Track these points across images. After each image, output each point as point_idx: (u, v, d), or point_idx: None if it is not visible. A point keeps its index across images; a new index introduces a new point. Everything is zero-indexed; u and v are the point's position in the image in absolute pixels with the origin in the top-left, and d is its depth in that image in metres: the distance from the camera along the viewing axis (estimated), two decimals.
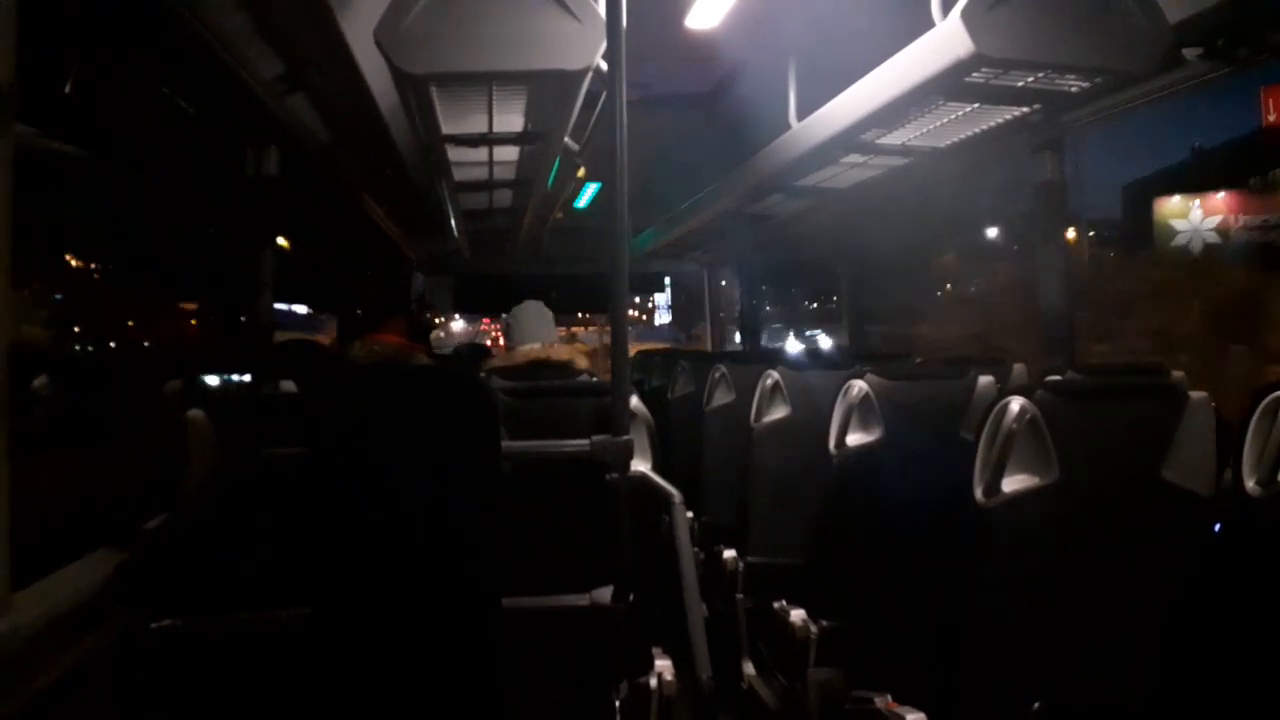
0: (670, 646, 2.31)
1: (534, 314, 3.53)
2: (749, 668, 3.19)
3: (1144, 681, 2.01)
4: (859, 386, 2.60)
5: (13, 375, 1.41)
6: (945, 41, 2.27)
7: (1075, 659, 1.99)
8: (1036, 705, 1.94)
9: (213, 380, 2.71)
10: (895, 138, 3.19)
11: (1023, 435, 1.93)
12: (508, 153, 3.19)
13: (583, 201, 6.13)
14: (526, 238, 5.47)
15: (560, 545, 2.20)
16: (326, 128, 3.66)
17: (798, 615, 2.73)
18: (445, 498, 1.82)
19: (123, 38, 2.70)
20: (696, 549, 3.63)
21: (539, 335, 3.41)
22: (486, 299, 7.97)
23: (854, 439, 2.62)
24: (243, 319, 3.24)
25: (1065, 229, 3.39)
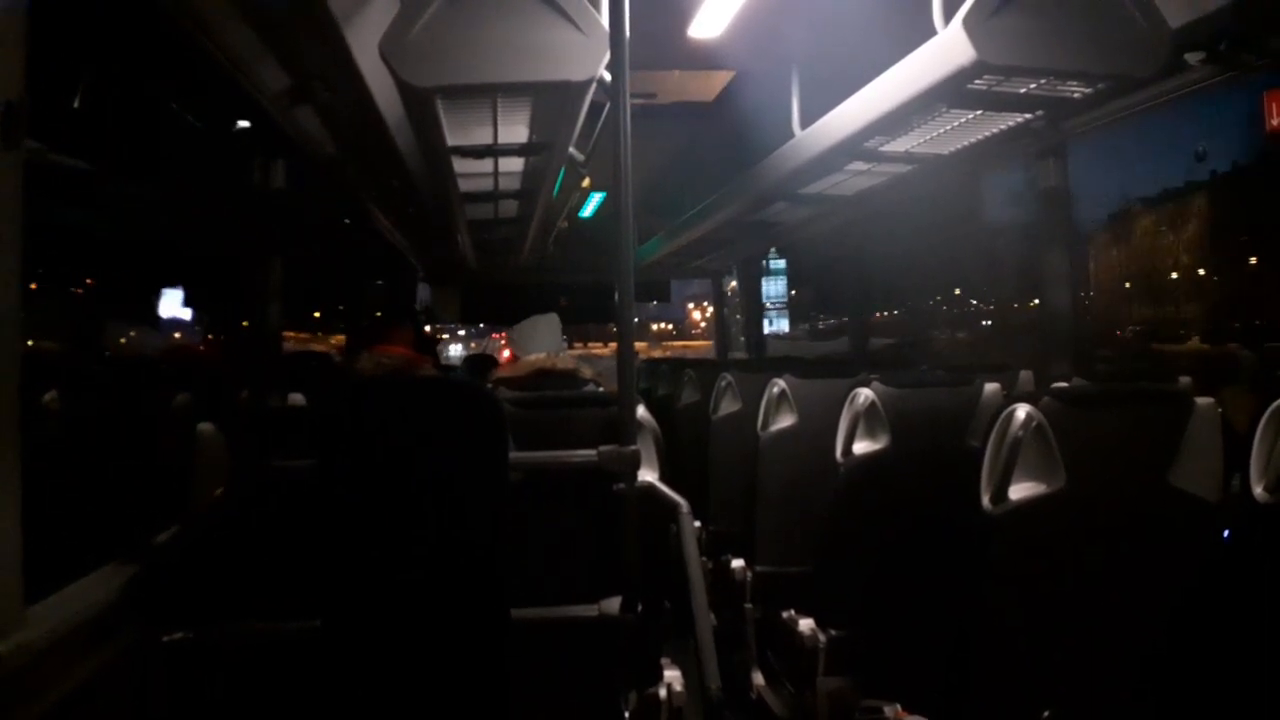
0: (679, 656, 2.31)
1: (541, 325, 3.54)
2: (758, 677, 3.18)
3: (1153, 689, 2.00)
4: (865, 395, 2.60)
5: (25, 387, 1.41)
6: (947, 49, 2.27)
7: (1084, 666, 1.98)
8: (1046, 713, 1.93)
9: None
10: (899, 145, 3.20)
11: (1029, 442, 1.93)
12: (513, 163, 3.21)
13: (588, 211, 6.15)
14: (532, 248, 5.48)
15: (568, 555, 2.20)
16: (333, 140, 3.68)
17: (806, 624, 2.72)
18: (453, 508, 1.83)
19: (131, 53, 2.73)
20: (704, 558, 3.62)
21: (545, 345, 3.42)
22: (493, 309, 7.98)
23: (861, 447, 2.62)
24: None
25: (1068, 235, 3.39)
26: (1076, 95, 2.53)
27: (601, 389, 2.89)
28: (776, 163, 3.84)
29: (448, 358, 12.37)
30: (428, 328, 7.23)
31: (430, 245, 6.35)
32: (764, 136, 3.99)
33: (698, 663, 1.92)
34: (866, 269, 6.44)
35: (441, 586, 1.82)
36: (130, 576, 1.85)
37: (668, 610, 2.32)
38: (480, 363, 6.53)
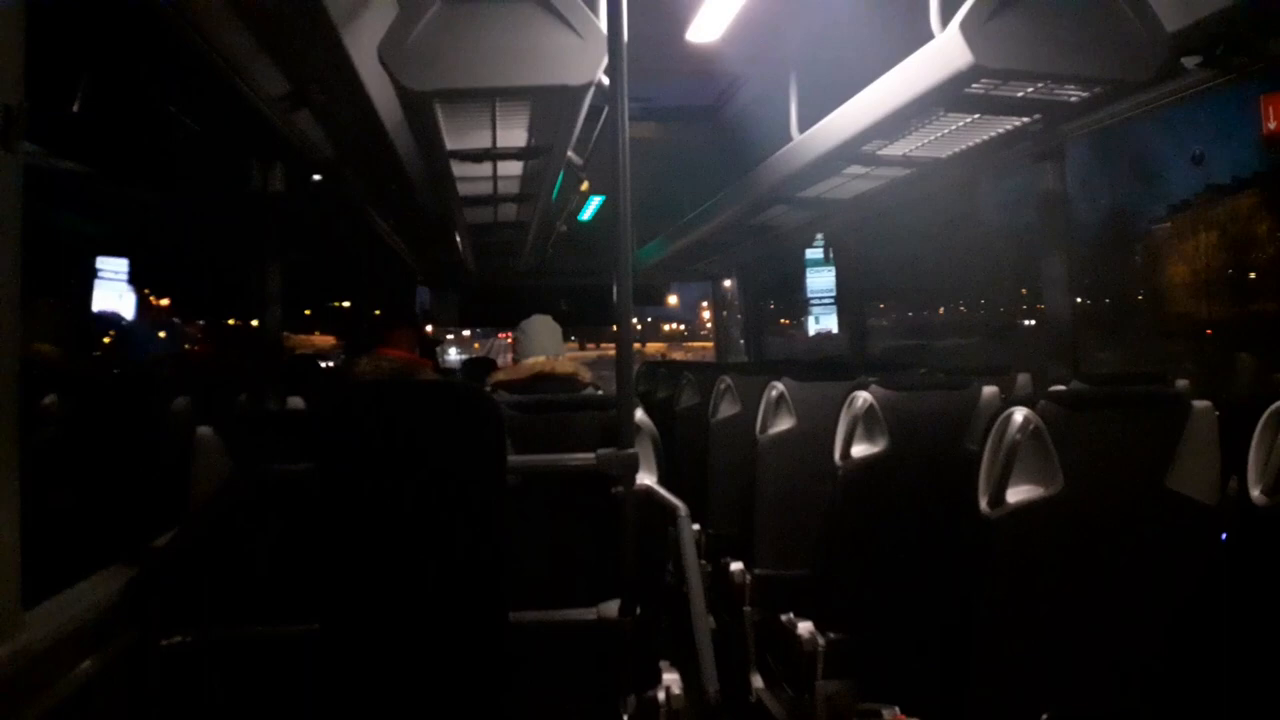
0: (678, 659, 2.31)
1: (541, 327, 3.54)
2: (757, 680, 3.18)
3: (1151, 691, 2.00)
4: (863, 398, 2.60)
5: (25, 392, 1.42)
6: (944, 53, 2.28)
7: (1082, 669, 1.98)
8: (1045, 716, 1.93)
9: None
10: (896, 149, 3.21)
11: (1026, 446, 1.93)
12: (511, 167, 3.21)
13: (587, 214, 6.16)
14: (531, 251, 5.49)
15: (566, 558, 2.20)
16: (331, 144, 3.69)
17: (805, 627, 2.72)
18: (452, 511, 1.83)
19: (130, 57, 2.73)
20: (704, 561, 3.62)
21: (545, 348, 3.42)
22: (492, 312, 7.99)
23: (859, 450, 2.62)
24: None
25: (1067, 237, 3.39)
26: (1074, 99, 2.53)
27: (600, 392, 2.89)
28: (775, 166, 3.85)
29: (446, 361, 12.36)
30: (429, 328, 7.25)
31: (429, 248, 6.36)
32: (762, 140, 4.00)
33: (696, 666, 1.92)
34: (871, 266, 6.44)
35: (440, 590, 1.82)
36: (128, 580, 1.85)
37: (666, 613, 2.32)
38: (479, 365, 6.55)
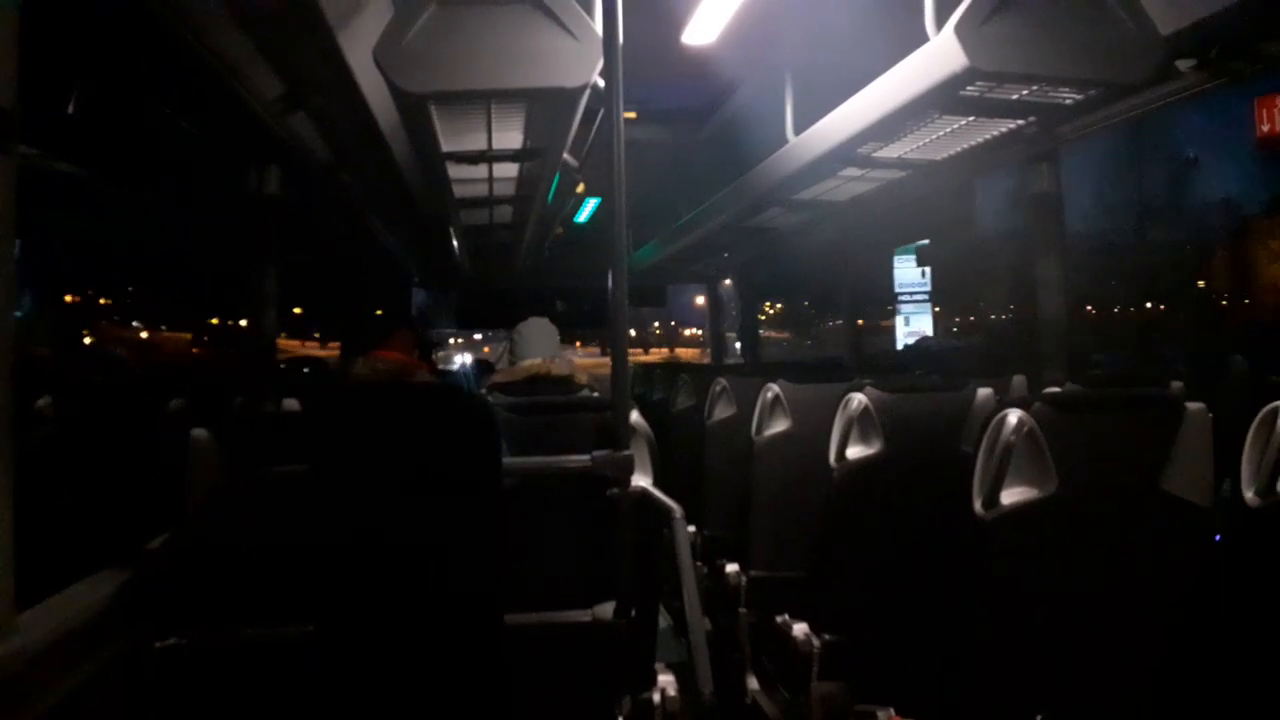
0: (673, 661, 2.31)
1: (537, 329, 3.55)
2: (752, 682, 3.18)
3: (1146, 692, 2.00)
4: (858, 400, 2.61)
5: (17, 394, 1.41)
6: (939, 56, 2.29)
7: (1077, 670, 1.98)
8: (1039, 717, 1.94)
9: None
10: (892, 151, 3.21)
11: (1021, 447, 1.93)
12: (507, 169, 3.21)
13: (583, 216, 6.16)
14: (527, 253, 5.49)
15: (562, 561, 2.20)
16: (327, 146, 3.69)
17: (800, 629, 2.72)
18: (447, 514, 1.83)
19: (125, 59, 2.73)
20: (699, 563, 3.62)
21: (541, 350, 3.43)
22: (488, 314, 7.98)
23: (854, 452, 2.62)
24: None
25: (1062, 239, 3.39)
26: (1068, 101, 2.54)
27: (596, 394, 2.89)
28: (770, 168, 3.85)
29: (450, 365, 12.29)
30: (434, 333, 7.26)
31: (425, 251, 6.37)
32: (758, 143, 4.00)
33: (692, 667, 1.92)
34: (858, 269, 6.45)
35: (435, 592, 1.82)
36: (123, 582, 1.85)
37: (662, 615, 2.32)
38: (477, 368, 6.57)
